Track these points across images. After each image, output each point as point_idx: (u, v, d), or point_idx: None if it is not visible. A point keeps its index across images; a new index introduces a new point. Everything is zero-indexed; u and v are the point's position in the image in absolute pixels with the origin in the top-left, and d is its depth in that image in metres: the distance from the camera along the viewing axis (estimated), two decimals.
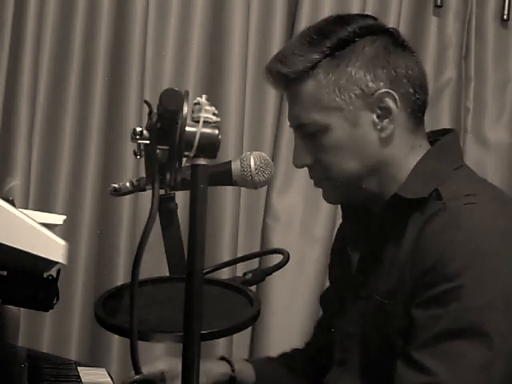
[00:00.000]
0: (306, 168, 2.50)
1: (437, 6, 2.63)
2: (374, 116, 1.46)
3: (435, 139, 1.53)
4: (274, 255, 1.72)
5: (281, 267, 1.61)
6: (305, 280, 2.53)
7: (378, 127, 1.46)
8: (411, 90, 1.47)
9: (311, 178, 1.55)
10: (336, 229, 2.54)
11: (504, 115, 2.68)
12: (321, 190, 2.50)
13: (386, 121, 1.46)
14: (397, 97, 1.45)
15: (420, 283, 1.37)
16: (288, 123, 2.45)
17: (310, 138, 1.49)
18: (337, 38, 1.45)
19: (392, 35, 1.50)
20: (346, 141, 1.46)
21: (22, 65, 2.29)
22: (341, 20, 1.50)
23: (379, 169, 1.48)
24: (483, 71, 2.67)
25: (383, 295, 1.45)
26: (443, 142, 1.52)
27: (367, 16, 1.57)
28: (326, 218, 2.54)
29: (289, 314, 2.51)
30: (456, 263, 1.34)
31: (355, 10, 2.54)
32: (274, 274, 1.63)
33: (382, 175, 1.48)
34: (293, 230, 2.54)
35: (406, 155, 1.48)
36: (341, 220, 2.55)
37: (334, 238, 1.76)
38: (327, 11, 2.53)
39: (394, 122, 1.46)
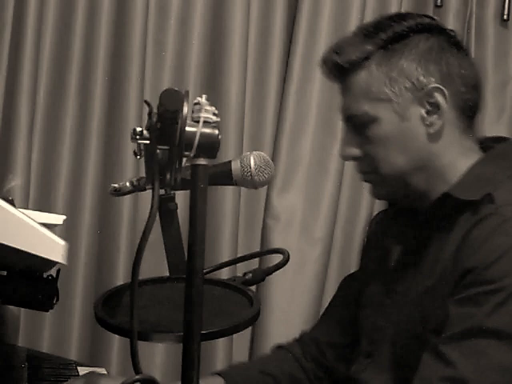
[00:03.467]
0: (305, 168, 2.54)
1: (437, 6, 2.63)
2: (423, 111, 1.47)
3: (488, 146, 1.54)
4: (274, 255, 1.72)
5: (281, 267, 1.61)
6: (305, 280, 2.53)
7: (427, 122, 1.47)
8: (463, 89, 1.48)
9: (358, 172, 1.55)
10: (336, 229, 2.57)
11: (504, 115, 2.69)
12: (320, 190, 2.55)
13: (434, 116, 1.47)
14: (447, 93, 1.46)
15: (461, 282, 1.38)
16: (288, 123, 2.52)
17: (359, 129, 1.50)
18: (392, 31, 1.47)
19: (448, 35, 1.52)
20: (393, 134, 1.47)
21: (22, 65, 2.29)
22: (399, 16, 1.53)
23: (427, 165, 1.48)
24: (483, 71, 2.67)
25: (422, 292, 1.45)
26: (499, 148, 1.53)
27: (427, 16, 1.58)
28: (325, 218, 2.55)
29: (289, 314, 2.51)
30: (499, 267, 1.35)
31: (355, 9, 2.54)
32: (274, 273, 1.63)
33: (430, 173, 1.49)
34: (293, 230, 2.54)
35: (457, 156, 1.49)
36: (339, 220, 2.59)
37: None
38: (327, 11, 2.54)
39: (442, 118, 1.47)
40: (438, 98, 1.46)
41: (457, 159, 1.49)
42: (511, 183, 1.47)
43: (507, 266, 1.35)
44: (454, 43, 1.51)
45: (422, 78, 1.46)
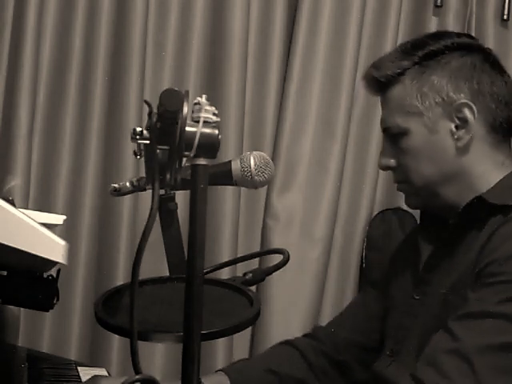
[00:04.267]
0: (305, 168, 2.54)
1: (437, 6, 2.64)
2: (452, 125, 1.53)
3: None
4: (274, 255, 1.72)
5: (281, 267, 1.61)
6: (305, 280, 2.53)
7: (455, 136, 1.53)
8: (493, 106, 1.53)
9: (394, 182, 1.63)
10: (336, 229, 2.57)
11: None
12: (320, 190, 2.55)
13: (462, 131, 1.52)
14: (475, 109, 1.51)
15: (482, 272, 1.43)
16: (288, 123, 2.52)
17: (393, 140, 1.57)
18: (428, 49, 1.54)
19: (485, 54, 1.57)
20: (423, 146, 1.54)
21: (22, 65, 2.29)
22: (438, 35, 1.61)
23: (456, 177, 1.54)
24: None
25: (447, 288, 1.50)
26: None
27: (465, 35, 1.66)
28: (325, 218, 2.55)
29: (289, 314, 2.51)
30: None
31: (355, 10, 2.54)
32: (274, 273, 1.63)
33: (460, 184, 1.54)
34: (293, 230, 2.54)
35: (488, 169, 1.54)
36: (339, 220, 2.59)
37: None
38: (327, 11, 2.54)
39: (470, 133, 1.52)
40: (467, 113, 1.51)
41: (488, 172, 1.54)
42: None
43: None
44: (489, 62, 1.56)
45: (451, 93, 1.52)
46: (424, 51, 1.55)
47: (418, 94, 1.53)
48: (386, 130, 1.60)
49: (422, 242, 1.63)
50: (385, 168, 1.62)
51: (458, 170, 1.54)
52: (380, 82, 1.57)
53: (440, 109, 1.52)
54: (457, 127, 1.52)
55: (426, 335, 1.51)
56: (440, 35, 1.60)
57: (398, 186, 1.62)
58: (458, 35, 1.62)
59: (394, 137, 1.57)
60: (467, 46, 1.57)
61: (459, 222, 1.53)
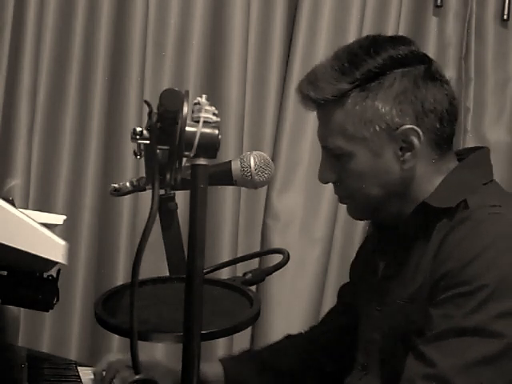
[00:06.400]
0: (305, 168, 2.54)
1: (437, 6, 2.64)
2: (397, 149, 1.48)
3: (463, 156, 1.56)
4: (274, 255, 1.72)
5: (281, 267, 1.61)
6: (305, 280, 2.53)
7: (401, 159, 1.49)
8: (437, 125, 1.49)
9: (336, 194, 1.59)
10: (336, 229, 2.57)
11: (504, 115, 2.68)
12: (320, 190, 2.55)
13: (408, 154, 1.48)
14: (420, 133, 1.47)
15: (438, 285, 1.40)
16: (288, 123, 2.52)
17: (335, 159, 1.53)
18: (367, 69, 1.46)
19: (424, 64, 1.50)
20: (368, 169, 1.49)
21: (22, 65, 2.29)
22: (373, 47, 1.49)
23: (401, 193, 1.51)
24: (483, 71, 2.67)
25: (404, 299, 1.48)
26: (472, 157, 1.56)
27: (401, 41, 1.53)
28: (325, 218, 2.55)
29: (289, 314, 2.51)
30: (474, 268, 1.38)
31: (355, 9, 2.54)
32: (274, 273, 1.63)
33: (405, 198, 1.51)
34: (293, 230, 2.54)
35: (431, 177, 1.51)
36: (339, 220, 2.59)
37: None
38: (327, 11, 2.54)
39: (416, 156, 1.49)
40: (413, 138, 1.47)
41: (431, 179, 1.51)
42: (486, 190, 1.51)
43: (481, 267, 1.38)
44: (430, 74, 1.50)
45: (396, 118, 1.47)
46: (362, 72, 1.46)
47: (362, 119, 1.47)
48: (325, 148, 1.55)
49: (377, 252, 1.61)
50: (325, 182, 1.59)
51: (403, 188, 1.51)
52: (317, 103, 1.50)
53: (385, 134, 1.47)
54: (401, 149, 1.48)
55: (387, 348, 1.51)
56: (375, 47, 1.49)
57: (340, 200, 1.59)
58: (393, 43, 1.50)
59: (335, 156, 1.52)
60: (406, 60, 1.48)
61: (407, 230, 1.52)
